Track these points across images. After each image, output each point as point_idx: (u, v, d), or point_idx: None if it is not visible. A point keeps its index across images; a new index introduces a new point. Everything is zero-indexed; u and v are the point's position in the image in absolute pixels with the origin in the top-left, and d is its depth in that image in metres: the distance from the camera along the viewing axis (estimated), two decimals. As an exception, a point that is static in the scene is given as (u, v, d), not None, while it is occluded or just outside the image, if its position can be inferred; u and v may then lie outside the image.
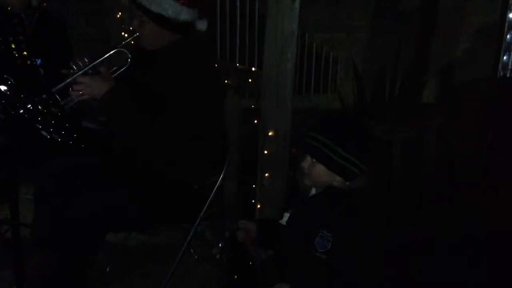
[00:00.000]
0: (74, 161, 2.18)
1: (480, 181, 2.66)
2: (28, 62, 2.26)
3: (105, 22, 3.77)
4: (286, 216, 1.71)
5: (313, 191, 1.66)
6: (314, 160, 1.58)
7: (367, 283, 1.54)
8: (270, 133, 2.24)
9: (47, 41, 2.59)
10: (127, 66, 1.97)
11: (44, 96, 1.75)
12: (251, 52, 2.78)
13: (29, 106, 1.71)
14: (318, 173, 1.58)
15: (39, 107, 1.74)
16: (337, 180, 1.59)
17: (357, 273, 1.52)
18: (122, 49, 1.94)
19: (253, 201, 2.45)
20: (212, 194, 2.18)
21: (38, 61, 2.44)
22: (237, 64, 2.54)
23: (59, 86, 1.79)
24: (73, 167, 2.15)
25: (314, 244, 1.55)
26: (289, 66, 2.17)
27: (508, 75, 4.10)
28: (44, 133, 1.72)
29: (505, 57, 4.03)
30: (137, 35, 1.97)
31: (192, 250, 2.57)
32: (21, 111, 1.68)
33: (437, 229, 2.57)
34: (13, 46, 2.17)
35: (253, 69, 2.48)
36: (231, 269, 1.83)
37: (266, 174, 2.30)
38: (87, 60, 1.94)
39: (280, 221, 1.72)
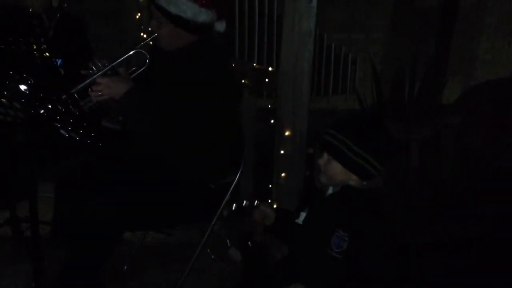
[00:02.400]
0: (93, 160, 2.20)
1: (498, 183, 2.60)
2: (49, 62, 2.28)
3: (122, 23, 3.81)
4: (303, 215, 1.71)
5: (330, 190, 1.65)
6: (330, 157, 1.57)
7: (382, 284, 1.53)
8: (286, 133, 2.23)
9: (68, 41, 2.63)
10: (145, 67, 1.98)
11: (63, 96, 1.77)
12: (269, 52, 2.78)
13: (48, 105, 1.73)
14: (334, 171, 1.57)
15: (58, 107, 1.76)
16: (353, 179, 1.57)
17: (372, 274, 1.51)
18: (140, 50, 1.95)
19: (269, 200, 2.45)
20: (228, 194, 2.19)
21: (59, 62, 2.47)
22: (254, 64, 2.53)
23: (78, 87, 1.81)
24: (92, 166, 2.18)
25: (330, 244, 1.54)
26: (306, 65, 2.15)
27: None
28: (62, 131, 1.73)
29: (527, 57, 3.96)
30: (155, 36, 1.98)
31: (208, 250, 2.58)
32: (41, 110, 1.70)
33: (454, 230, 2.53)
34: (34, 46, 2.19)
35: (270, 68, 2.47)
36: (245, 268, 1.83)
37: (283, 174, 2.29)
38: (106, 61, 1.96)
39: (296, 220, 1.72)
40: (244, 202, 1.79)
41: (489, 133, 2.66)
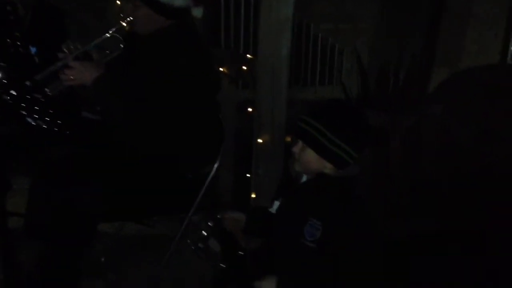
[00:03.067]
0: (69, 151, 2.17)
1: (481, 172, 2.59)
2: (22, 50, 2.24)
3: (106, 12, 3.75)
4: (276, 204, 1.68)
5: (304, 178, 1.63)
6: (305, 145, 1.54)
7: (356, 274, 1.50)
8: (265, 123, 2.19)
9: (44, 30, 2.58)
10: (120, 51, 1.94)
11: (27, 83, 1.72)
12: (247, 40, 2.75)
13: (13, 92, 1.68)
14: (308, 158, 1.54)
15: (23, 93, 1.72)
16: (327, 167, 1.54)
17: (345, 263, 1.49)
18: (115, 34, 1.91)
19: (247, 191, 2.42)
20: (206, 184, 2.16)
21: (33, 50, 2.42)
22: (232, 52, 2.49)
23: (44, 72, 1.77)
24: (67, 157, 2.14)
25: (303, 233, 1.51)
26: (284, 52, 2.11)
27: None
28: (29, 120, 1.69)
29: (513, 47, 3.94)
30: (130, 20, 1.94)
31: (188, 241, 2.55)
32: (7, 97, 1.66)
33: (435, 221, 2.51)
34: (6, 34, 2.15)
35: (248, 56, 2.43)
36: (222, 260, 1.81)
37: (261, 164, 2.26)
38: (79, 45, 1.92)
39: (270, 210, 1.69)
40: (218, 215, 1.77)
41: (471, 121, 2.65)
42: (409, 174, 2.60)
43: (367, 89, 3.15)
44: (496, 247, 2.45)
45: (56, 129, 1.75)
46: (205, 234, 1.80)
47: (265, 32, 2.10)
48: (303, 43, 4.26)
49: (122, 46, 1.93)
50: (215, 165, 2.17)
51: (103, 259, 2.46)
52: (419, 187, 2.62)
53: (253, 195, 2.34)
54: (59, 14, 2.77)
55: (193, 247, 2.52)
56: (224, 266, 1.76)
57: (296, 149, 1.56)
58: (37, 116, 1.70)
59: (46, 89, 1.84)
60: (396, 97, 2.93)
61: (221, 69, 2.43)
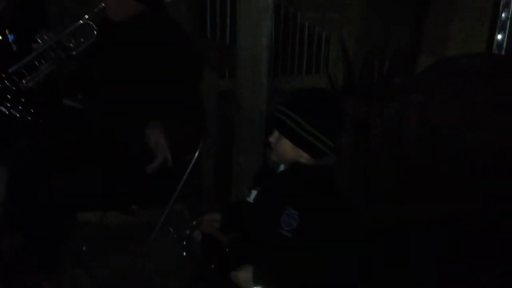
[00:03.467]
0: (46, 141, 2.15)
1: (461, 160, 2.60)
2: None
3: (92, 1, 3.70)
4: (254, 193, 1.67)
5: (282, 167, 1.62)
6: (280, 134, 1.54)
7: (332, 263, 1.50)
8: (245, 112, 2.18)
9: (23, 16, 2.55)
10: (93, 39, 1.92)
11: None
12: (232, 28, 2.72)
13: None
14: (284, 148, 1.54)
15: None
16: (303, 157, 1.54)
17: (322, 253, 1.49)
18: (88, 22, 1.89)
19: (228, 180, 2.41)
20: (187, 173, 2.15)
21: (11, 38, 2.40)
22: (214, 41, 2.47)
23: (16, 66, 1.76)
24: (46, 146, 2.12)
25: (280, 222, 1.51)
26: (264, 41, 2.09)
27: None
28: (2, 109, 1.68)
29: (499, 36, 3.94)
30: (102, 7, 1.92)
31: (171, 229, 2.55)
32: None
33: (417, 210, 2.52)
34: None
35: (228, 45, 2.41)
36: (202, 253, 1.80)
37: (242, 154, 2.26)
38: (53, 35, 1.91)
39: (247, 199, 1.69)
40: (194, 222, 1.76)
41: (452, 110, 2.65)
42: (390, 163, 2.60)
43: (352, 78, 3.14)
44: (471, 236, 2.47)
45: (29, 118, 1.73)
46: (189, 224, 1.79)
47: (244, 21, 2.08)
48: (290, 32, 4.23)
49: (95, 32, 1.91)
50: (196, 154, 2.16)
51: (84, 248, 2.46)
52: (400, 176, 2.62)
53: (234, 185, 2.34)
54: (39, 1, 2.74)
55: (175, 236, 2.53)
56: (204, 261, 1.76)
57: (272, 139, 1.56)
58: (9, 105, 1.69)
59: (23, 81, 1.84)
60: (380, 86, 2.93)
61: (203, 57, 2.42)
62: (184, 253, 1.73)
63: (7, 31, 2.46)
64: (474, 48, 4.00)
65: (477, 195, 2.55)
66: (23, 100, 1.73)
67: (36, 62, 1.91)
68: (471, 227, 2.47)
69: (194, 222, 1.72)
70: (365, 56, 3.35)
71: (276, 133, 1.56)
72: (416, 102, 2.59)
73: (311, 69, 4.49)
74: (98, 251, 2.48)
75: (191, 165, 2.14)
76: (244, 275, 1.50)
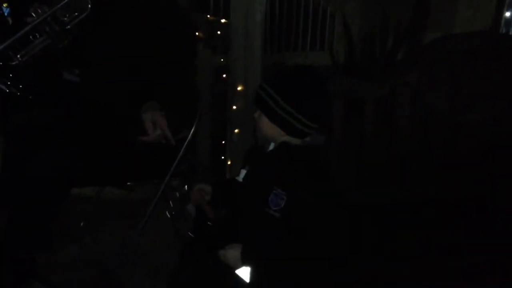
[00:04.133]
0: (40, 115, 2.15)
1: (455, 141, 2.55)
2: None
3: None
4: (243, 172, 1.66)
5: (271, 146, 1.61)
6: (260, 110, 1.53)
7: (319, 243, 1.50)
8: (238, 88, 2.15)
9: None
10: (87, 12, 1.90)
11: None
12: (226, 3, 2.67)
13: None
14: (263, 125, 1.54)
15: None
16: (281, 135, 1.53)
17: (309, 233, 1.48)
18: None
19: (222, 157, 2.40)
20: (182, 150, 2.15)
21: (6, 11, 2.38)
22: (208, 16, 2.44)
23: (7, 43, 1.74)
24: (39, 121, 2.12)
25: (268, 202, 1.50)
26: (257, 17, 2.05)
27: (511, 32, 3.91)
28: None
29: (507, 13, 3.83)
30: None
31: (167, 205, 2.55)
32: None
33: (408, 191, 2.49)
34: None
35: (223, 20, 2.37)
36: (190, 230, 1.81)
37: (236, 130, 2.24)
38: (46, 8, 1.88)
39: (237, 178, 1.68)
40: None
41: (447, 90, 2.59)
42: (383, 144, 2.56)
43: (353, 55, 3.08)
44: (464, 215, 2.45)
45: (18, 94, 1.73)
46: (183, 199, 1.80)
47: (237, -4, 2.04)
48: (294, 7, 4.16)
49: (89, 6, 1.88)
50: (191, 131, 2.16)
51: (82, 224, 2.47)
52: (393, 156, 2.59)
53: (228, 162, 2.33)
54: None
55: (173, 212, 2.54)
56: (192, 236, 1.77)
57: (256, 115, 1.55)
58: (-1, 81, 1.69)
59: (18, 55, 1.82)
60: (380, 65, 2.87)
61: (196, 33, 2.38)
62: (173, 222, 1.73)
63: (3, 5, 2.43)
64: (481, 25, 3.89)
65: (469, 178, 2.52)
66: (11, 75, 1.72)
67: (30, 37, 1.89)
68: (462, 210, 2.44)
69: (185, 187, 1.73)
70: (366, 33, 3.27)
71: (258, 110, 1.54)
72: (410, 82, 2.53)
73: (315, 46, 4.42)
74: (94, 226, 2.49)
75: (187, 141, 2.14)
76: (233, 253, 1.50)
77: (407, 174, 2.55)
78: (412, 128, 2.54)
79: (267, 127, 1.53)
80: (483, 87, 2.61)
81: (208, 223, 1.72)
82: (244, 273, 1.49)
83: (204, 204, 1.69)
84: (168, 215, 2.51)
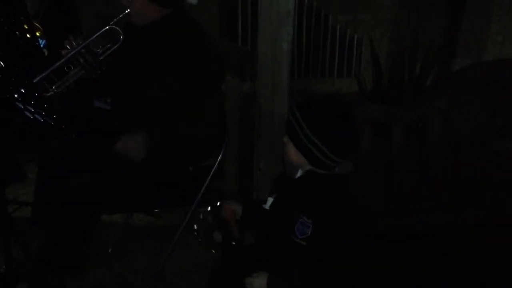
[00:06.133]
0: (77, 141, 2.20)
1: (487, 169, 2.50)
2: (31, 43, 2.28)
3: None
4: (270, 200, 1.66)
5: (299, 173, 1.60)
6: (287, 135, 1.54)
7: (346, 271, 1.48)
8: (265, 116, 2.17)
9: (56, 22, 2.62)
10: (120, 43, 1.96)
11: (27, 82, 1.77)
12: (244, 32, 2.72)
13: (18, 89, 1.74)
14: (290, 151, 1.53)
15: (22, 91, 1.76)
16: (307, 164, 1.52)
17: (335, 262, 1.47)
18: (113, 27, 1.92)
19: (250, 184, 2.41)
20: (209, 177, 2.16)
21: (42, 43, 2.46)
22: (237, 45, 2.47)
23: (42, 74, 1.81)
24: (75, 147, 2.18)
25: (294, 230, 1.50)
26: (285, 46, 2.08)
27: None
28: (27, 114, 1.73)
29: (539, 39, 3.78)
30: (127, 12, 1.95)
31: (196, 233, 2.56)
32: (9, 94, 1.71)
33: (438, 217, 2.44)
34: (15, 26, 2.19)
35: (249, 50, 2.40)
36: (221, 255, 1.81)
37: (262, 158, 2.25)
38: (80, 40, 1.94)
39: (264, 206, 1.68)
40: (218, 202, 1.77)
41: (479, 117, 2.55)
42: (413, 170, 2.53)
43: (381, 81, 3.08)
44: (496, 244, 2.38)
45: (52, 123, 1.79)
46: (210, 225, 1.81)
47: (265, 26, 2.07)
48: (322, 34, 4.21)
49: (121, 37, 1.94)
50: (219, 158, 2.17)
51: (110, 250, 2.50)
52: (423, 183, 2.55)
53: (256, 190, 2.33)
54: (71, 5, 2.80)
55: (197, 238, 2.55)
56: (214, 252, 1.77)
57: (285, 139, 1.55)
58: (33, 110, 1.74)
59: (53, 87, 1.88)
60: (408, 91, 2.86)
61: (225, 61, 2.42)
62: (200, 240, 1.73)
63: (38, 35, 2.52)
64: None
65: (500, 203, 2.46)
66: (46, 106, 1.78)
67: (65, 68, 1.95)
68: (492, 236, 2.38)
69: (218, 203, 1.73)
70: (394, 58, 3.27)
71: (286, 136, 1.55)
72: (441, 108, 2.51)
73: (342, 72, 4.45)
74: (123, 251, 2.51)
75: (214, 169, 2.15)
76: (259, 282, 1.50)
77: (436, 201, 2.51)
78: (443, 153, 2.50)
79: (293, 153, 1.52)
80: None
81: (233, 243, 1.71)
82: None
83: (233, 223, 1.69)
84: (196, 242, 2.51)
